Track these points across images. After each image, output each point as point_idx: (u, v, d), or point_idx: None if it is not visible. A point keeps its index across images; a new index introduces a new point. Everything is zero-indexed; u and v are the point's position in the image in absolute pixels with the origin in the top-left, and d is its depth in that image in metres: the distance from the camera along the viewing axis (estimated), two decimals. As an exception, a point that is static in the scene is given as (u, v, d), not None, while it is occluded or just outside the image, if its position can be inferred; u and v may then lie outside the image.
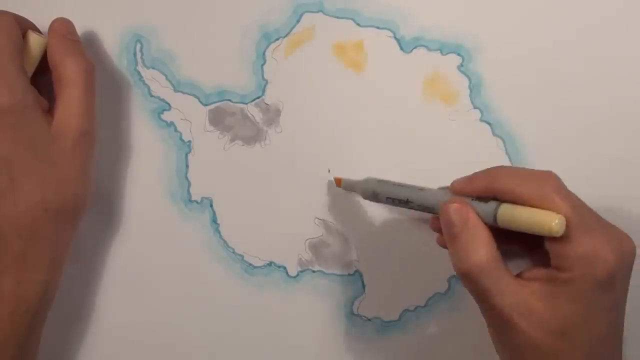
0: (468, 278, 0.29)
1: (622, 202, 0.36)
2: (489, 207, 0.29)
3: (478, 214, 0.29)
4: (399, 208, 0.34)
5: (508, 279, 0.28)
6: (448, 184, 0.37)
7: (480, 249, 0.28)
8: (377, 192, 0.34)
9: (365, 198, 0.35)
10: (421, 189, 0.33)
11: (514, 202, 0.29)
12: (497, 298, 0.28)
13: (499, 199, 0.29)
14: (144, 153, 0.37)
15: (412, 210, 0.33)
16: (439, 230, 0.33)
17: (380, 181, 0.34)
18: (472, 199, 0.30)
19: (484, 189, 0.30)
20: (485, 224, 0.29)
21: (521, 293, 0.28)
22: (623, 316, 0.30)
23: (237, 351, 0.38)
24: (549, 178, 0.29)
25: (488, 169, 0.31)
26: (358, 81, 0.37)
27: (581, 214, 0.28)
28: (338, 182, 0.36)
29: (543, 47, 0.36)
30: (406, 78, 0.37)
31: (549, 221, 0.27)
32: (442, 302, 0.37)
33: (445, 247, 0.31)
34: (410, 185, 0.33)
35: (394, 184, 0.34)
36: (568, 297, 0.28)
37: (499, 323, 0.29)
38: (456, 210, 0.29)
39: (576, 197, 0.29)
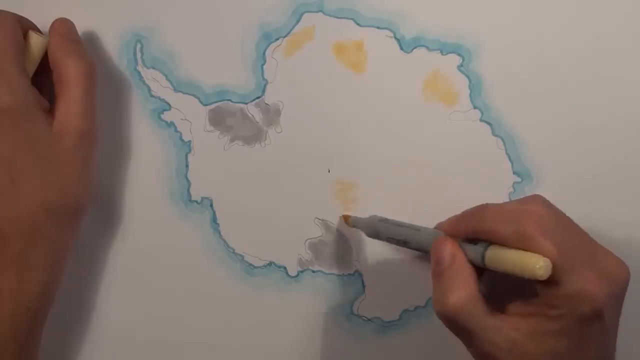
0: (447, 318, 0.29)
1: (622, 202, 0.36)
2: (478, 249, 0.29)
3: (468, 256, 0.30)
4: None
5: (488, 317, 0.28)
6: (446, 184, 0.37)
7: (460, 289, 0.29)
8: (379, 231, 0.35)
9: (369, 236, 0.36)
10: (417, 230, 0.33)
11: (500, 243, 0.29)
12: (479, 337, 0.28)
13: (488, 240, 0.29)
14: (144, 153, 0.37)
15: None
16: None
17: (381, 220, 0.35)
18: (463, 241, 0.30)
19: (473, 231, 0.30)
20: (476, 265, 0.29)
21: (503, 329, 0.28)
22: (614, 339, 0.30)
23: (237, 351, 0.38)
24: (530, 214, 0.28)
25: (476, 208, 0.31)
26: (358, 81, 0.37)
27: (566, 251, 0.27)
28: (346, 219, 0.37)
29: (543, 47, 0.36)
30: (406, 78, 0.37)
31: (533, 265, 0.27)
32: (442, 302, 0.37)
33: None
34: (409, 225, 0.34)
35: (394, 223, 0.34)
36: (555, 332, 0.28)
37: (483, 357, 0.29)
38: (445, 248, 0.30)
39: (564, 224, 0.29)
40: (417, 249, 0.33)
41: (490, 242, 0.29)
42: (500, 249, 0.28)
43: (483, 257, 0.29)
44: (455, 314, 0.28)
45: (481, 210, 0.30)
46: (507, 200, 0.37)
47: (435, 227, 0.33)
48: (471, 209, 0.31)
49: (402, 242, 0.34)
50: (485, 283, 0.30)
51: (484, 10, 0.36)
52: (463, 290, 0.29)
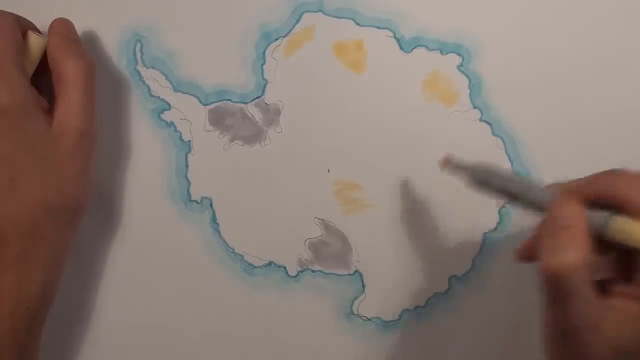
0: (553, 277, 0.27)
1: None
2: (602, 215, 0.28)
3: (592, 223, 0.28)
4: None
5: (591, 289, 0.27)
6: (446, 184, 0.37)
7: (575, 251, 0.27)
8: (488, 180, 0.31)
9: (471, 185, 0.32)
10: (533, 185, 0.30)
11: (632, 214, 0.27)
12: (576, 306, 0.27)
13: (614, 208, 0.28)
14: (144, 153, 0.37)
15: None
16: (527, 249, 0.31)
17: (489, 170, 0.31)
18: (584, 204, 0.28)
19: (600, 195, 0.28)
20: (593, 233, 0.28)
21: (600, 307, 0.27)
22: None
23: (237, 351, 0.38)
24: None
25: (606, 171, 0.29)
26: (358, 81, 0.37)
27: None
28: (446, 163, 0.33)
29: (543, 47, 0.36)
30: (406, 78, 0.37)
31: None
32: (442, 302, 0.37)
33: (522, 261, 0.30)
34: (518, 178, 0.31)
35: (502, 176, 0.31)
36: None
37: (565, 330, 0.27)
38: (570, 206, 0.28)
39: None
40: (528, 206, 0.30)
41: (617, 211, 0.27)
42: (629, 220, 0.27)
43: (606, 226, 0.27)
44: (564, 275, 0.27)
45: (614, 174, 0.28)
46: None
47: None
48: (601, 172, 0.29)
49: (512, 196, 0.30)
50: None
51: (484, 10, 0.36)
52: (577, 253, 0.27)
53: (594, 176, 0.29)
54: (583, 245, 0.27)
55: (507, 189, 0.30)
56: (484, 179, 0.31)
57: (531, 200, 0.30)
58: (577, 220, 0.28)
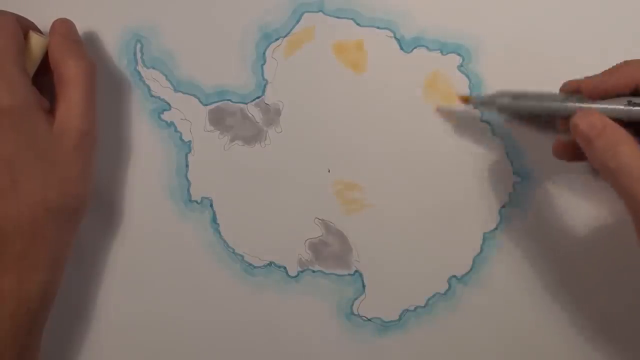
0: (617, 173, 0.28)
1: (621, 202, 0.36)
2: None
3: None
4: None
5: None
6: (446, 184, 0.37)
7: (625, 144, 0.28)
8: (518, 105, 0.33)
9: (499, 113, 0.35)
10: (557, 98, 0.32)
11: None
12: None
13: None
14: (144, 153, 0.37)
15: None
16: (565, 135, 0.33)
17: (516, 95, 0.33)
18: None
19: (626, 83, 0.30)
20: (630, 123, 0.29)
21: None
22: None
23: (237, 351, 0.38)
24: None
25: (623, 63, 0.31)
26: (358, 81, 0.37)
27: None
28: (466, 99, 0.35)
29: (543, 47, 0.36)
30: (406, 78, 0.37)
31: None
32: (442, 302, 0.37)
33: (561, 158, 0.33)
34: (544, 94, 0.33)
35: (529, 96, 0.33)
36: None
37: None
38: (591, 118, 0.30)
39: None
40: (556, 114, 0.33)
41: None
42: None
43: None
44: (628, 166, 0.28)
45: (629, 63, 0.30)
46: (507, 201, 0.37)
47: (563, 89, 0.33)
48: (611, 68, 0.31)
49: (548, 115, 0.33)
50: None
51: (484, 10, 0.36)
52: (627, 146, 0.28)
53: (606, 72, 0.31)
54: (627, 138, 0.29)
55: (533, 106, 0.32)
56: (514, 105, 0.33)
57: (565, 112, 0.32)
58: (605, 123, 0.29)
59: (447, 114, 0.36)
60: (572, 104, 0.32)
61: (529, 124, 0.36)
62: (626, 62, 0.31)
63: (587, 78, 0.32)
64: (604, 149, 0.29)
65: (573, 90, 0.32)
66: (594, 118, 0.30)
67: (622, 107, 0.30)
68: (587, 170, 0.36)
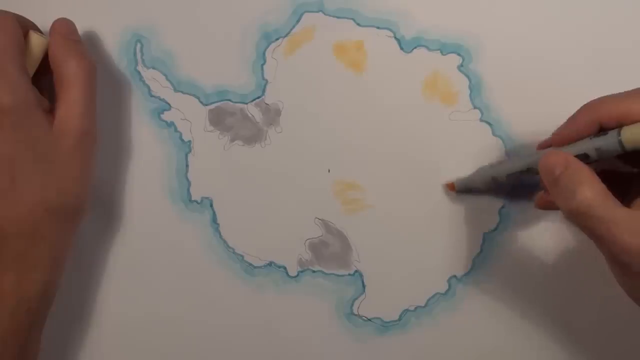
0: (578, 214, 0.28)
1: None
2: (609, 137, 0.29)
3: (601, 149, 0.29)
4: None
5: (619, 208, 0.28)
6: (447, 182, 0.37)
7: (585, 184, 0.28)
8: (495, 175, 0.34)
9: (485, 189, 0.36)
10: (531, 155, 0.33)
11: (634, 120, 0.28)
12: (612, 228, 0.27)
13: (608, 127, 0.29)
14: (144, 153, 0.37)
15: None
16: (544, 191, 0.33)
17: (492, 165, 0.35)
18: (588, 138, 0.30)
19: (589, 125, 0.30)
20: (605, 158, 0.29)
21: (636, 218, 0.27)
22: None
23: (237, 351, 0.38)
24: None
25: (583, 106, 0.30)
26: (358, 81, 0.37)
27: None
28: (451, 187, 0.37)
29: (543, 47, 0.36)
30: (406, 78, 0.37)
31: None
32: (442, 302, 0.37)
33: (543, 207, 0.33)
34: (518, 156, 0.34)
35: (502, 162, 0.34)
36: None
37: (617, 253, 0.27)
38: (554, 156, 0.29)
39: None
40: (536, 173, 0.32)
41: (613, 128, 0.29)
42: (636, 125, 0.28)
43: (619, 139, 0.28)
44: (589, 207, 0.27)
45: (593, 103, 0.30)
46: (508, 200, 0.37)
47: (538, 148, 0.33)
48: (575, 112, 0.31)
49: (525, 172, 0.33)
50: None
51: (484, 10, 0.36)
52: (588, 185, 0.28)
53: (570, 117, 0.31)
54: (589, 178, 0.28)
55: (517, 169, 0.33)
56: (491, 179, 0.35)
57: (533, 166, 0.32)
58: (570, 162, 0.29)
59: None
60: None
61: (513, 191, 0.37)
62: (586, 105, 0.30)
63: (554, 132, 0.32)
64: (565, 188, 0.28)
65: (546, 146, 0.32)
66: (558, 156, 0.29)
67: (587, 140, 0.30)
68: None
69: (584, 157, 0.30)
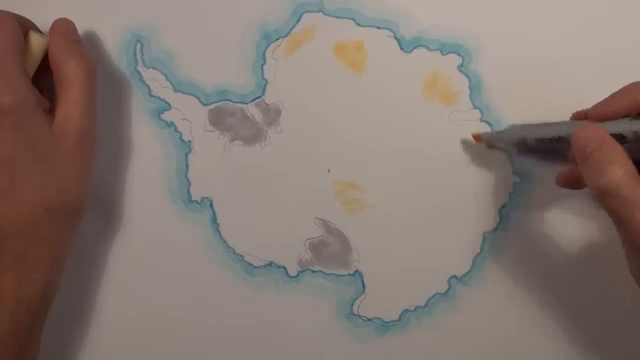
0: (605, 193, 0.28)
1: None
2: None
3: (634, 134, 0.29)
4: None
5: None
6: (446, 184, 0.37)
7: (616, 164, 0.27)
8: (524, 137, 0.33)
9: (510, 149, 0.35)
10: (565, 123, 0.32)
11: None
12: (636, 212, 0.27)
13: None
14: (144, 153, 0.37)
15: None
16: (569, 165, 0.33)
17: (525, 126, 0.34)
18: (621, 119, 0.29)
19: (630, 106, 0.29)
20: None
21: None
22: None
23: (236, 351, 0.38)
24: None
25: (627, 86, 0.30)
26: (358, 81, 0.37)
27: None
28: (477, 138, 0.36)
29: (543, 47, 0.36)
30: (406, 78, 0.37)
31: None
32: (442, 302, 0.37)
33: (563, 185, 0.33)
34: (552, 122, 0.33)
35: (535, 125, 0.33)
36: None
37: (637, 239, 0.27)
38: (591, 130, 0.29)
39: None
40: (565, 143, 0.32)
41: None
42: None
43: None
44: (617, 187, 0.27)
45: (632, 86, 0.30)
46: (507, 201, 0.37)
47: (573, 118, 0.33)
48: (616, 91, 0.30)
49: (555, 140, 0.32)
50: None
51: (484, 10, 0.36)
52: (619, 165, 0.27)
53: (610, 96, 0.30)
54: (621, 157, 0.28)
55: (548, 135, 0.32)
56: (521, 138, 0.34)
57: (565, 136, 0.31)
58: (605, 139, 0.28)
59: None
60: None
61: (539, 157, 0.36)
62: (630, 85, 0.30)
63: (593, 105, 0.31)
64: (596, 165, 0.28)
65: (581, 118, 0.32)
66: (594, 131, 0.29)
67: (626, 121, 0.29)
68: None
69: (619, 138, 0.29)
